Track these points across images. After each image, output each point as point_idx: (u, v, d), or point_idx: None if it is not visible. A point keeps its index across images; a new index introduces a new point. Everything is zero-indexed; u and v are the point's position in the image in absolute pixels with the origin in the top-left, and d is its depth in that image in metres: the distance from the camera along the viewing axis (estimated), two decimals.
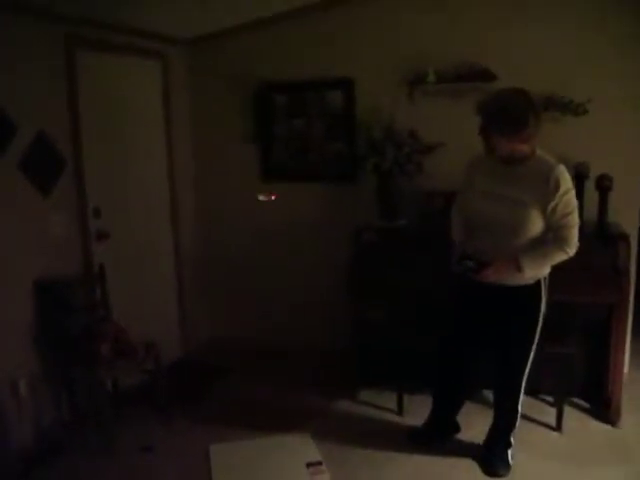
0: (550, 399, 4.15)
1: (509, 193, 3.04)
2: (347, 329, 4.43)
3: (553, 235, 3.06)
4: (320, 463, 3.54)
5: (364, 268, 4.30)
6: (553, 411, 3.89)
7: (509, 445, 3.48)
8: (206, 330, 5.43)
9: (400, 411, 4.11)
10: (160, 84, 4.87)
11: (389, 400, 4.20)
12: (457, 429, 3.82)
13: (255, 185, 5.10)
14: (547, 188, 2.96)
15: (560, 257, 3.06)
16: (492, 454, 3.49)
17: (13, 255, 3.59)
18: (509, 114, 2.96)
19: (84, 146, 4.08)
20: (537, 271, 3.11)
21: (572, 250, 3.05)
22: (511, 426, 3.45)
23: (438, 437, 3.76)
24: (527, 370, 3.32)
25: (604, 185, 3.91)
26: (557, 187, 2.94)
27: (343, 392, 4.41)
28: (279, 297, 5.21)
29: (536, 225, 3.02)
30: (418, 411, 4.04)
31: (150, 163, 4.81)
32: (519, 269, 3.03)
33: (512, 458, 3.47)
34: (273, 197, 5.00)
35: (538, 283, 3.17)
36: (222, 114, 5.13)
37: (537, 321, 3.21)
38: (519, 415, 3.43)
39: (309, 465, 3.52)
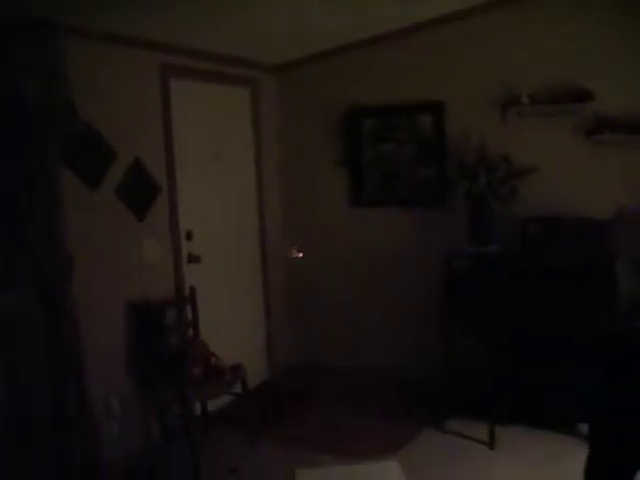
0: None
1: None
2: (435, 356, 4.33)
3: None
4: None
5: (456, 296, 4.19)
6: None
7: None
8: (291, 354, 5.43)
9: (492, 444, 3.97)
10: (250, 109, 4.97)
11: (479, 431, 4.06)
12: None
13: (344, 210, 5.09)
14: None
15: None
16: None
17: (108, 276, 3.70)
18: None
19: (177, 171, 4.19)
20: None
21: None
22: None
23: None
24: None
25: None
26: None
27: (430, 420, 4.30)
28: (365, 322, 5.14)
29: None
30: (511, 445, 3.91)
31: (240, 187, 4.89)
32: None
33: None
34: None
35: None
36: (311, 138, 5.18)
37: None
38: None
39: None
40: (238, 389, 4.06)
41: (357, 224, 5.05)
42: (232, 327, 4.71)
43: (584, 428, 3.89)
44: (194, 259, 4.32)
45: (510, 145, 4.30)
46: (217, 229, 4.60)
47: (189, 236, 4.30)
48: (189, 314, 4.16)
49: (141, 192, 3.93)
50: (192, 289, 4.15)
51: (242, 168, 4.91)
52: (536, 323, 3.90)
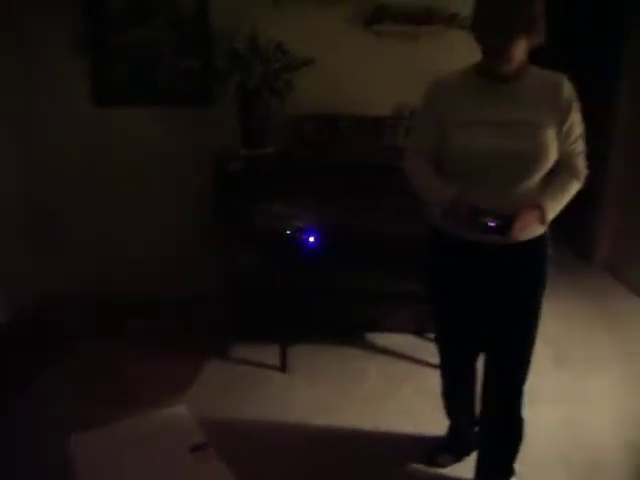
0: None
1: (515, 116, 2.17)
2: (215, 275, 3.86)
3: (562, 164, 2.29)
4: (206, 445, 2.98)
5: (231, 204, 3.72)
6: None
7: (512, 474, 2.64)
8: (34, 287, 4.37)
9: (284, 367, 3.63)
10: None
11: (269, 355, 3.71)
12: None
13: (87, 111, 4.16)
14: (559, 104, 2.20)
15: (575, 191, 2.34)
16: None
17: None
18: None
19: None
20: (556, 213, 2.31)
21: (583, 180, 2.36)
22: (517, 446, 2.57)
23: (461, 452, 2.93)
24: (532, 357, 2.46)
25: None
26: (570, 103, 2.21)
27: (214, 349, 3.85)
28: (127, 245, 4.40)
29: (554, 152, 2.22)
30: (306, 365, 3.65)
31: None
32: (544, 217, 2.23)
33: None
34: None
35: (545, 232, 2.38)
36: (38, 17, 4.02)
37: (545, 280, 2.40)
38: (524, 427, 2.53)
39: (194, 449, 2.95)
40: None
41: (106, 127, 4.17)
42: None
43: (377, 338, 3.77)
44: None
45: (284, 34, 3.78)
46: None
47: None
48: None
49: None
50: None
51: None
52: (323, 227, 3.62)
